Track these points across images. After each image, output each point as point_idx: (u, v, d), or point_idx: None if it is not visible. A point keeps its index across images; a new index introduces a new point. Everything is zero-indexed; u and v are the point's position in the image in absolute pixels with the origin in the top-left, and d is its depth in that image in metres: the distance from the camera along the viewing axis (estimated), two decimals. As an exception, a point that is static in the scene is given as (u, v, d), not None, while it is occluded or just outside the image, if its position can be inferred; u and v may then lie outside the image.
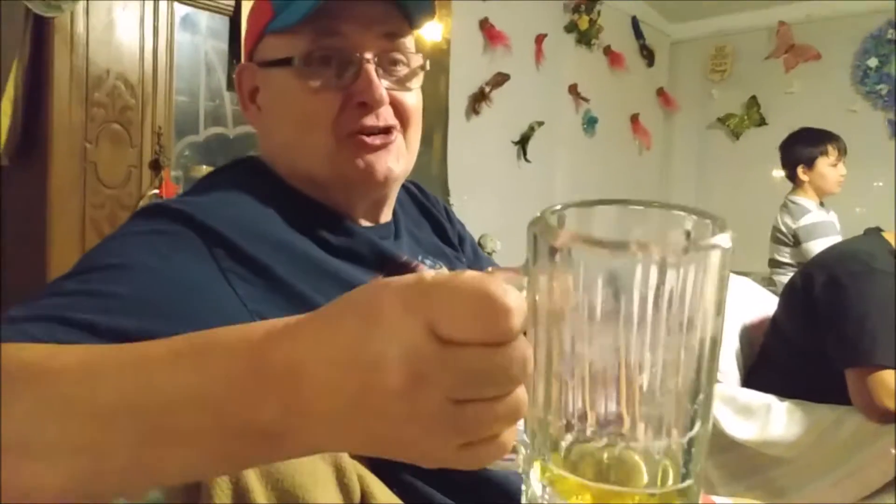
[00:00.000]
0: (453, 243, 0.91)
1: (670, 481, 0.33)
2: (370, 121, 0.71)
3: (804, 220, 2.91)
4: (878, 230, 1.79)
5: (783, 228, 2.99)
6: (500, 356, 0.31)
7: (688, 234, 0.34)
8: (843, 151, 2.94)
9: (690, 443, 0.33)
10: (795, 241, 2.93)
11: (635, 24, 4.67)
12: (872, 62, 4.25)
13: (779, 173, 4.56)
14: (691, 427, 0.33)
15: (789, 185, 3.10)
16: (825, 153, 2.89)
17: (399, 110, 0.74)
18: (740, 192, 4.69)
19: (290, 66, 0.71)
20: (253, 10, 0.78)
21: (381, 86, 0.70)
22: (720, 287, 0.32)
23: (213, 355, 0.35)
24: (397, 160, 0.74)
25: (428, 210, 0.92)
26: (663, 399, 0.33)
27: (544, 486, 0.34)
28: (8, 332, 0.47)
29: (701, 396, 0.33)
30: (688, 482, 0.33)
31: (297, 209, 0.71)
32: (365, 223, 0.78)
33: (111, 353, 0.38)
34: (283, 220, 0.69)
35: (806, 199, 2.96)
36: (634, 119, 4.68)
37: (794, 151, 2.99)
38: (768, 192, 4.58)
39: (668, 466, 0.33)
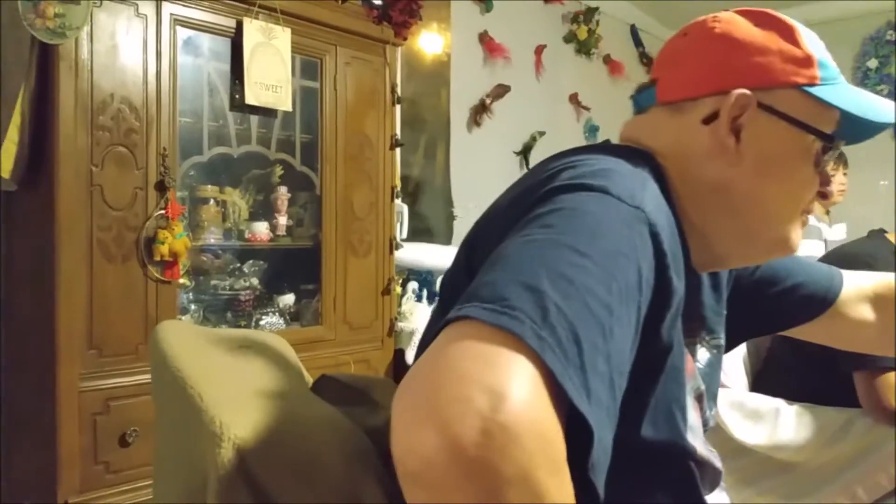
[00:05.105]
0: None
1: None
2: (812, 206, 0.80)
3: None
4: (881, 232, 1.79)
5: None
6: None
7: None
8: (842, 161, 2.94)
9: None
10: None
11: (634, 32, 4.70)
12: (872, 63, 4.25)
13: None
14: None
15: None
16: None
17: None
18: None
19: (819, 138, 0.73)
20: (774, 53, 0.72)
21: None
22: None
23: None
24: None
25: None
26: None
27: None
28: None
29: None
30: None
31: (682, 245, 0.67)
32: None
33: None
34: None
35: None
36: (636, 126, 4.69)
37: None
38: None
39: None
